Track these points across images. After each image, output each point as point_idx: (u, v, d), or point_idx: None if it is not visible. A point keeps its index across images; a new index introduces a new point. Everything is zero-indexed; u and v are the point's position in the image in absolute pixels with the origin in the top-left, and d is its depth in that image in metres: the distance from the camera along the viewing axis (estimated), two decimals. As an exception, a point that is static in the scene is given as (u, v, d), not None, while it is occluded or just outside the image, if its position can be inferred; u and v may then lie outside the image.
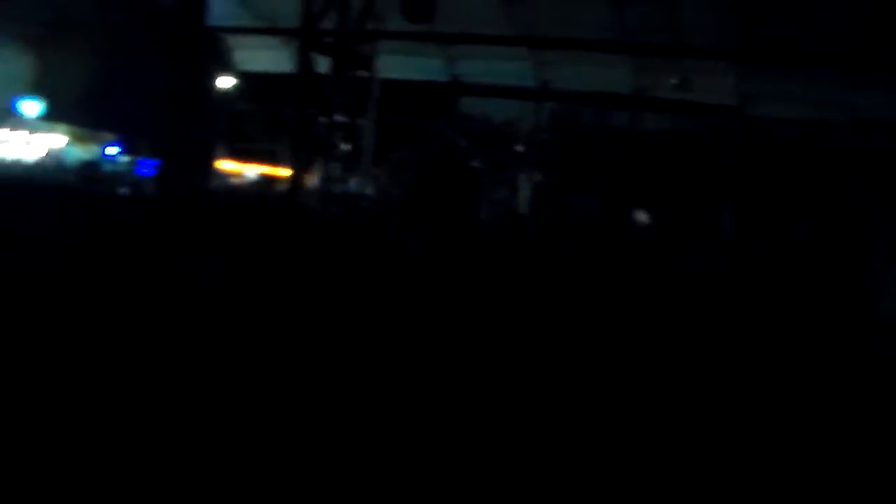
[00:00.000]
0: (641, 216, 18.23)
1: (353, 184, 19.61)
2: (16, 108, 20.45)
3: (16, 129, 20.51)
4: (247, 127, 19.67)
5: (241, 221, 10.49)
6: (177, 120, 13.43)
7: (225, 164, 19.68)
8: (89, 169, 18.89)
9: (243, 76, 20.14)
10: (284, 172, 19.35)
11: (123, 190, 17.73)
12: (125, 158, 20.38)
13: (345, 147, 12.26)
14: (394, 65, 18.43)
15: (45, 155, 20.60)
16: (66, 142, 20.88)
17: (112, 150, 20.66)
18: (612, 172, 18.71)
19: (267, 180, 18.74)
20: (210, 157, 19.79)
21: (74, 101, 20.20)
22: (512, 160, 19.82)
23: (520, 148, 19.94)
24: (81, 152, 20.46)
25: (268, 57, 19.50)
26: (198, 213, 10.62)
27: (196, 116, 19.98)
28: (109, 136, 20.87)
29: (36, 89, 20.46)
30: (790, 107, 17.18)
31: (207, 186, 11.81)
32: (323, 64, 13.82)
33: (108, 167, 19.41)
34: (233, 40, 20.00)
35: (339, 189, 12.30)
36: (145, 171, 19.42)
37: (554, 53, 19.81)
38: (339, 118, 12.05)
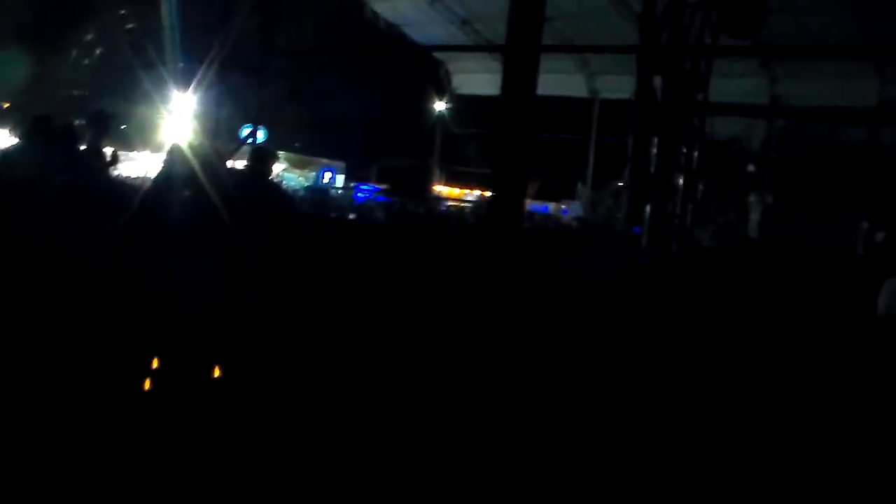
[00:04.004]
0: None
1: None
2: (242, 137, 21.11)
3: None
4: (463, 151, 19.49)
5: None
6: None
7: (440, 189, 19.61)
8: (318, 194, 19.15)
9: (458, 100, 20.05)
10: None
11: (352, 216, 17.84)
12: (341, 184, 20.67)
13: (681, 180, 11.07)
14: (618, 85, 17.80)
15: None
16: (284, 168, 21.38)
17: (327, 176, 21.00)
18: (854, 194, 17.21)
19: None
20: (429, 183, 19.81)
21: (291, 128, 20.71)
22: (740, 181, 18.69)
23: (750, 168, 18.78)
24: (298, 178, 20.88)
25: (485, 80, 19.29)
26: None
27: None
28: (324, 162, 21.23)
29: (258, 118, 21.04)
30: None
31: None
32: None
33: (331, 193, 19.66)
34: (452, 65, 19.96)
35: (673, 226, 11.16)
36: (363, 195, 19.60)
37: (786, 67, 18.66)
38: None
